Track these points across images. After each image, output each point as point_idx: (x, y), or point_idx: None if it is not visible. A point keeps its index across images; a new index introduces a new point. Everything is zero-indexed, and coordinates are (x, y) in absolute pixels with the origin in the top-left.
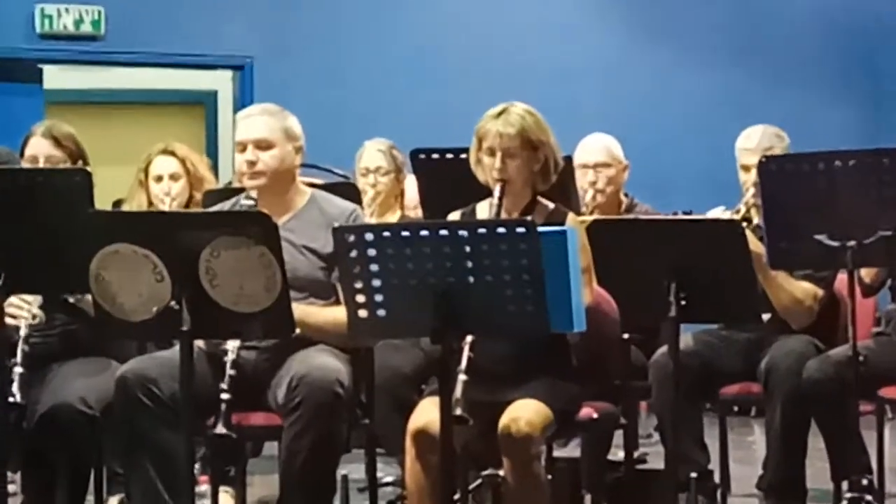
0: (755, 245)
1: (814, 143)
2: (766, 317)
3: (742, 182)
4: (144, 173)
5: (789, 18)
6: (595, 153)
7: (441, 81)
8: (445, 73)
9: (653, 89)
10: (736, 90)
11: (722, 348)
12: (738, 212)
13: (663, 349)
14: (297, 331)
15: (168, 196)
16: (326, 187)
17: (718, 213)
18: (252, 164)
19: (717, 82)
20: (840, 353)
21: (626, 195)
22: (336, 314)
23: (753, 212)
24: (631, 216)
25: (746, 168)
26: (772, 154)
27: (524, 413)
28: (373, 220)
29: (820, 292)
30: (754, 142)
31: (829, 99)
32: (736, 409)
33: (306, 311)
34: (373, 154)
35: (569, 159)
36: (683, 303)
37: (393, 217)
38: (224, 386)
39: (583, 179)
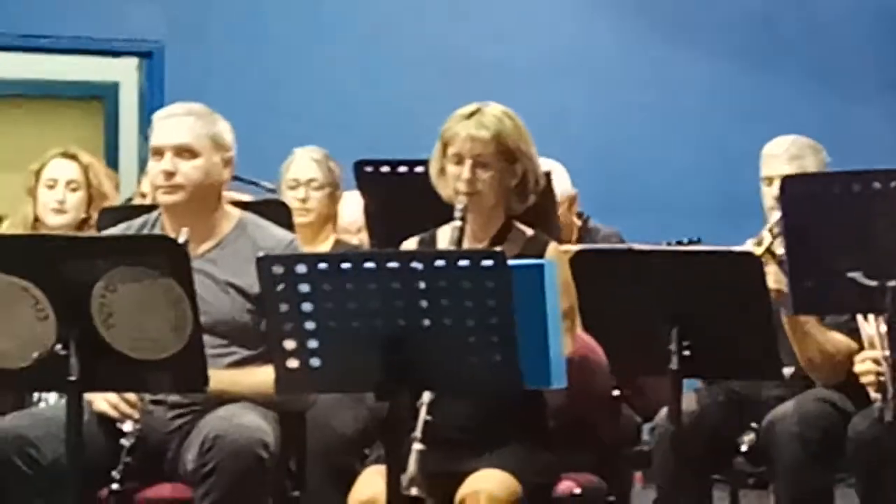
0: (779, 283)
1: (854, 158)
2: (788, 371)
3: (765, 200)
4: (35, 178)
5: (822, 4)
6: None
7: (392, 77)
8: (398, 67)
9: (654, 90)
10: (757, 92)
11: (739, 407)
12: (759, 242)
13: (665, 411)
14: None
15: (60, 208)
16: (251, 206)
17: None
18: (170, 174)
19: (734, 83)
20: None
21: (580, 215)
22: (269, 378)
23: (779, 242)
24: (621, 246)
25: (769, 180)
26: (795, 173)
27: (486, 485)
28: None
29: (854, 346)
30: (782, 147)
31: (872, 103)
32: (751, 481)
33: (231, 378)
34: (305, 163)
35: (549, 176)
36: (687, 353)
37: (325, 244)
38: (116, 474)
39: None
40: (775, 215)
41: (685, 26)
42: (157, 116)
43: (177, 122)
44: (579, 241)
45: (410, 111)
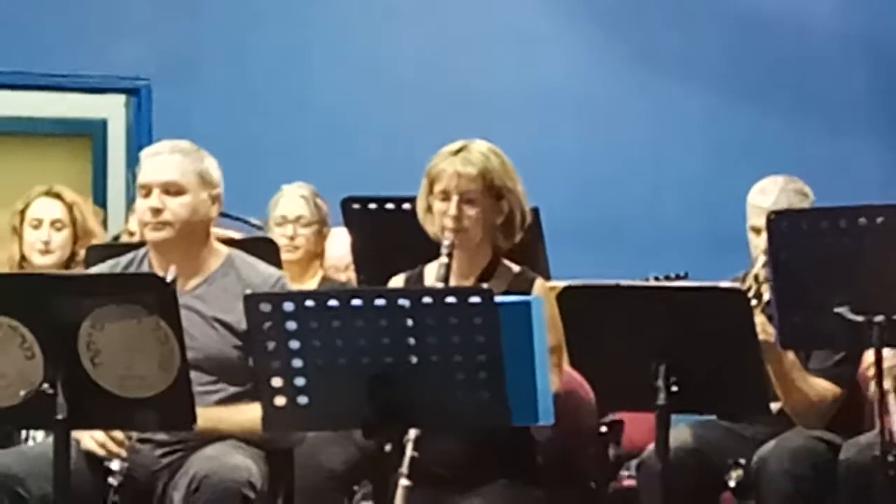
0: (765, 330)
1: (844, 194)
2: (775, 406)
3: (752, 248)
4: (20, 218)
5: (820, 42)
6: None
7: (381, 114)
8: (387, 103)
9: (642, 126)
10: (746, 128)
11: (727, 443)
12: (748, 289)
13: (653, 446)
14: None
15: (45, 248)
16: (239, 243)
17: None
18: (157, 211)
19: (723, 118)
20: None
21: None
22: (256, 416)
23: (765, 287)
24: (608, 281)
25: (757, 230)
26: (782, 209)
27: None
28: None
29: (838, 391)
30: (770, 199)
31: (863, 138)
32: None
33: (218, 415)
34: (293, 200)
35: (536, 212)
36: (675, 389)
37: (313, 281)
38: None
39: None
40: (761, 260)
41: (675, 63)
42: (145, 154)
43: (164, 160)
44: None
45: (399, 147)
